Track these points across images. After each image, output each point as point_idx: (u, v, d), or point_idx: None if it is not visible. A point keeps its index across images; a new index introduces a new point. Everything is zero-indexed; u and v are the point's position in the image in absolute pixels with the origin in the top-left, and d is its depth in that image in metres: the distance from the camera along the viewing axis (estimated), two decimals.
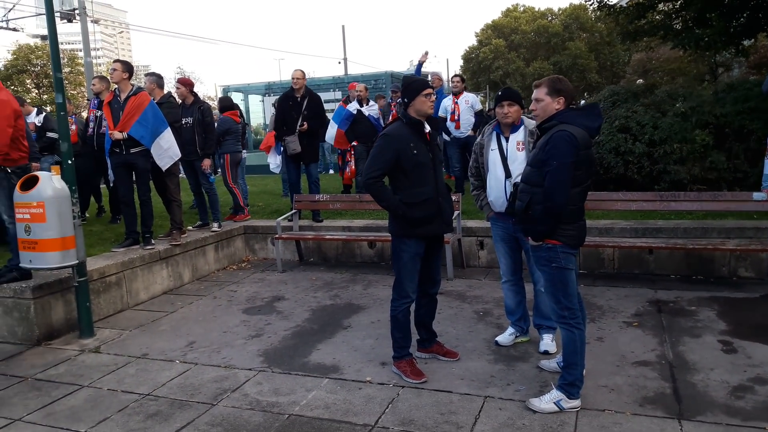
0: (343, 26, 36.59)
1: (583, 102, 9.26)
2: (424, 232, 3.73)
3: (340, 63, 35.79)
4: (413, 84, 3.77)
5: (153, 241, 6.34)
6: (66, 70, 46.78)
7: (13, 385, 4.10)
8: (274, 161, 10.27)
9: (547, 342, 4.16)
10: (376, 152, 3.68)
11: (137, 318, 5.50)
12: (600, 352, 4.14)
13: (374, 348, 4.41)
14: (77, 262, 4.83)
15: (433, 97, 3.73)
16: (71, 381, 4.11)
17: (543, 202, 3.18)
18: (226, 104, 8.39)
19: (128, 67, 6.18)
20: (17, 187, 4.71)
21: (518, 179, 3.61)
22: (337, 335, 4.75)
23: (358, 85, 8.77)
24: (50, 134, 7.55)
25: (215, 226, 7.30)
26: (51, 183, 4.68)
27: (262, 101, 19.14)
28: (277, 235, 6.97)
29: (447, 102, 8.75)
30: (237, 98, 18.01)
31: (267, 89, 19.29)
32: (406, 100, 3.71)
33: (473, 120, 8.55)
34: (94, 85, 7.38)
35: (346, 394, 3.67)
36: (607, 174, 7.64)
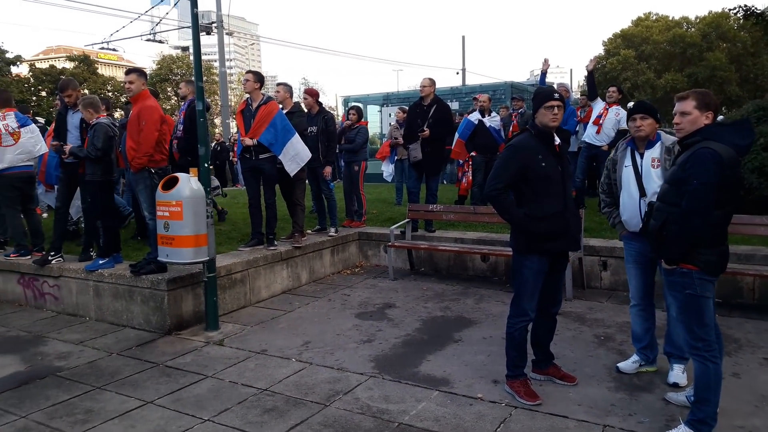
0: (463, 37, 36.56)
1: (721, 117, 8.52)
2: (548, 248, 3.60)
3: (458, 73, 35.77)
4: (538, 95, 3.67)
5: (276, 243, 6.69)
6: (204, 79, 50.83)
7: (146, 370, 4.48)
8: (388, 170, 10.48)
9: (677, 373, 3.85)
10: (501, 163, 3.62)
11: (258, 315, 5.81)
12: (736, 389, 3.76)
13: (486, 364, 4.32)
14: (208, 258, 5.20)
15: (557, 110, 3.59)
16: (197, 371, 4.41)
17: (679, 224, 2.95)
18: (362, 114, 8.65)
19: (259, 78, 6.59)
20: (159, 187, 5.15)
21: (653, 198, 3.38)
22: (448, 348, 4.71)
23: (482, 95, 8.70)
24: None
25: (332, 231, 7.56)
26: (189, 184, 5.08)
27: (380, 111, 19.58)
28: (390, 243, 7.07)
29: (598, 106, 8.39)
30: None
31: (384, 99, 19.71)
32: (533, 111, 3.63)
33: (614, 134, 8.17)
34: (180, 89, 7.68)
35: (456, 409, 3.62)
36: (749, 196, 6.96)
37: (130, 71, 5.76)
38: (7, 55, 40.73)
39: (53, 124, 7.50)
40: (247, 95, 6.65)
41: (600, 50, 47.30)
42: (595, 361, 4.34)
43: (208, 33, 24.16)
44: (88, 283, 5.85)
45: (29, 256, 6.44)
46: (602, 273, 6.36)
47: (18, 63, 42.89)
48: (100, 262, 5.86)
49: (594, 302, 5.86)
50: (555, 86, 10.95)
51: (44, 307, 6.25)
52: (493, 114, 8.80)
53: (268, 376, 4.24)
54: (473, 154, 8.68)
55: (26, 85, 39.65)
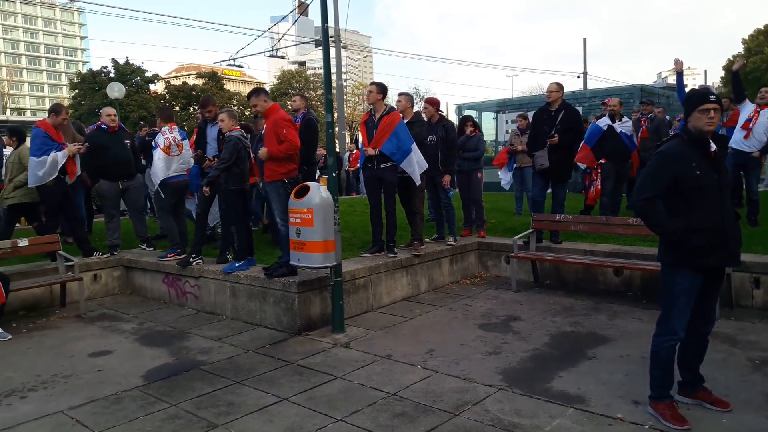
0: (584, 39, 35.16)
1: None
2: (703, 263, 3.37)
3: (578, 77, 34.46)
4: (690, 98, 3.46)
5: (396, 250, 6.82)
6: (319, 92, 53.21)
7: (280, 368, 4.74)
8: (506, 178, 10.31)
9: None
10: (650, 172, 3.44)
11: (380, 320, 5.95)
12: None
13: (624, 384, 4.12)
14: (335, 263, 5.42)
15: (713, 113, 3.35)
16: (326, 371, 4.60)
17: None
18: (477, 125, 8.64)
19: (382, 89, 6.78)
20: (292, 195, 5.45)
21: None
22: (581, 365, 4.54)
23: (611, 99, 8.34)
24: None
25: (451, 240, 7.57)
26: (319, 192, 5.33)
27: (495, 119, 19.33)
28: (513, 254, 6.96)
29: (747, 108, 7.78)
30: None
31: (500, 107, 19.44)
32: (685, 114, 3.43)
33: (765, 139, 7.52)
34: (294, 102, 7.82)
35: (595, 428, 3.48)
36: None
37: (249, 95, 6.18)
38: (147, 74, 45.14)
39: (193, 136, 8.20)
40: (371, 106, 6.86)
41: (739, 48, 43.55)
42: (750, 387, 3.99)
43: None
44: (225, 284, 6.30)
45: (184, 256, 7.02)
46: (754, 291, 5.82)
47: (156, 81, 47.33)
48: (236, 264, 6.29)
49: (745, 323, 5.38)
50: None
51: (186, 305, 6.82)
52: (625, 119, 8.38)
53: (395, 381, 4.33)
54: (602, 161, 8.33)
55: (162, 101, 43.58)
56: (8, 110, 55.94)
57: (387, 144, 6.47)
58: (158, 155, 7.08)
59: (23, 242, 6.73)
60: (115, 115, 7.63)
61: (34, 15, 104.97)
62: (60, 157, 7.01)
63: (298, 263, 5.44)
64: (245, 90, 77.21)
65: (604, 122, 8.12)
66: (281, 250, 6.09)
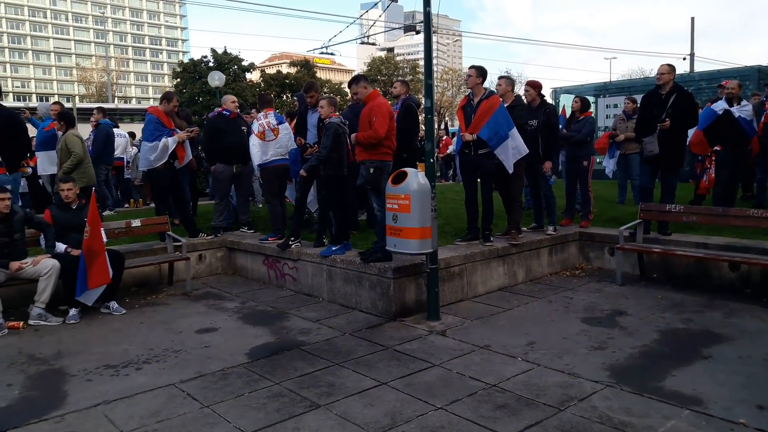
0: (692, 18, 32.86)
1: None
2: None
3: (684, 59, 32.27)
4: None
5: (492, 239, 6.71)
6: (408, 78, 53.21)
7: (377, 352, 4.81)
8: (609, 165, 9.84)
9: None
10: None
11: (476, 309, 5.89)
12: None
13: (746, 387, 3.83)
14: (431, 250, 5.40)
15: None
16: (423, 358, 4.61)
17: None
18: (587, 104, 8.21)
19: (481, 72, 6.62)
20: (389, 181, 5.48)
21: None
22: (696, 364, 4.27)
23: (729, 82, 7.73)
24: None
25: (550, 229, 7.34)
26: (417, 178, 5.31)
27: (595, 103, 18.50)
28: (618, 245, 6.64)
29: None
30: (566, 99, 17.79)
31: (599, 90, 18.57)
32: None
33: None
34: (395, 88, 7.80)
35: None
36: None
37: (350, 83, 6.26)
38: (243, 63, 46.87)
39: (293, 122, 8.43)
40: (469, 90, 6.74)
41: None
42: None
43: (418, 32, 25.14)
44: (322, 267, 6.46)
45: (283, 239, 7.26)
46: None
47: (251, 70, 49.03)
48: (333, 248, 6.43)
49: None
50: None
51: (284, 286, 7.06)
52: (744, 103, 7.75)
53: (495, 372, 4.27)
54: (717, 148, 7.76)
55: (258, 89, 45.14)
56: (116, 99, 60.14)
57: (485, 129, 6.35)
58: (253, 141, 7.34)
59: (136, 223, 7.23)
60: (233, 102, 7.99)
61: (140, 8, 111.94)
62: (170, 142, 7.44)
63: (394, 249, 5.47)
64: (335, 78, 78.65)
65: (720, 106, 7.55)
66: (376, 236, 6.16)
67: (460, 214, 8.29)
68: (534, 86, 7.41)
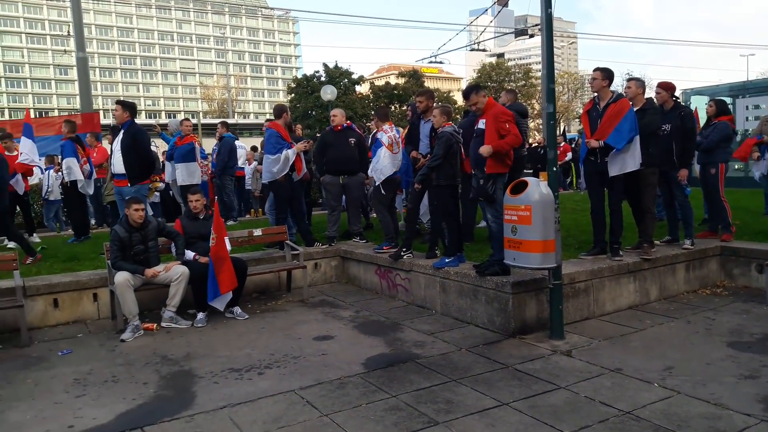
0: None
1: None
2: None
3: None
4: None
5: (621, 253, 6.32)
6: (520, 83, 52.25)
7: (497, 370, 4.66)
8: (760, 170, 9.05)
9: None
10: None
11: (604, 329, 5.56)
12: None
13: None
14: (555, 265, 5.17)
15: None
16: (548, 379, 4.40)
17: None
18: (723, 108, 7.63)
19: (608, 74, 6.29)
20: (508, 191, 5.32)
21: None
22: None
23: None
24: None
25: (687, 243, 6.80)
26: (538, 188, 5.11)
27: (732, 104, 17.05)
28: None
29: None
30: (697, 102, 16.54)
31: (735, 90, 17.09)
32: None
33: None
34: (501, 97, 7.62)
35: None
36: None
37: (468, 93, 6.08)
38: (353, 76, 48.34)
39: (403, 132, 8.49)
40: (595, 94, 6.44)
41: None
42: None
43: (531, 36, 24.61)
44: (435, 279, 6.41)
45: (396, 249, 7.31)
46: None
47: (361, 82, 50.46)
48: (447, 260, 6.36)
49: None
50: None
51: (396, 296, 7.09)
52: None
53: (629, 398, 3.98)
54: None
55: (366, 101, 46.33)
56: (236, 114, 64.15)
57: (613, 135, 6.02)
58: (384, 153, 7.42)
59: (257, 232, 7.60)
60: (334, 116, 8.22)
61: (256, 27, 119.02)
62: (291, 154, 7.75)
63: (513, 263, 5.29)
64: (443, 86, 78.86)
65: None
66: (492, 248, 6.01)
67: (582, 225, 7.94)
68: (666, 88, 6.93)
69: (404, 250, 6.99)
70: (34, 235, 9.39)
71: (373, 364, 4.89)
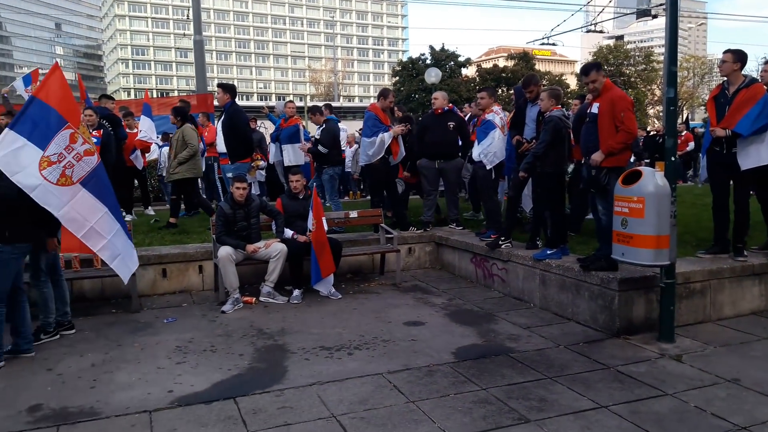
0: None
1: None
2: None
3: None
4: None
5: (745, 253, 5.78)
6: (640, 67, 49.29)
7: (597, 370, 4.42)
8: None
9: None
10: None
11: (721, 334, 5.13)
12: None
13: None
14: (668, 263, 4.81)
15: None
16: (653, 384, 4.12)
17: None
18: None
19: (739, 57, 5.72)
20: (619, 181, 4.98)
21: None
22: None
23: None
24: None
25: None
26: (653, 179, 4.74)
27: None
28: None
29: None
30: None
31: None
32: None
33: None
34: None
35: None
36: None
37: (588, 70, 5.64)
38: (459, 59, 47.76)
39: (509, 116, 8.22)
40: (724, 78, 5.89)
41: None
42: None
43: (655, 17, 23.02)
44: (535, 271, 6.19)
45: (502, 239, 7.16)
46: None
47: (467, 65, 49.77)
48: (548, 252, 6.11)
49: None
50: None
51: (492, 287, 6.93)
52: None
53: (746, 412, 3.64)
54: None
55: (472, 85, 45.63)
56: (341, 97, 65.53)
57: (742, 123, 5.49)
58: (498, 135, 7.16)
59: (353, 214, 7.71)
60: (435, 99, 8.10)
61: (365, 10, 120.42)
62: (386, 138, 7.76)
63: (622, 258, 4.97)
64: (555, 69, 75.99)
65: None
66: (599, 241, 5.69)
67: (702, 221, 7.36)
68: None
69: (502, 239, 6.80)
70: (149, 208, 10.10)
71: (463, 354, 4.81)
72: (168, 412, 3.82)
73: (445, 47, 46.91)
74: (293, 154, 9.96)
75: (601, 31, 28.58)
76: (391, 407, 3.84)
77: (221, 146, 7.94)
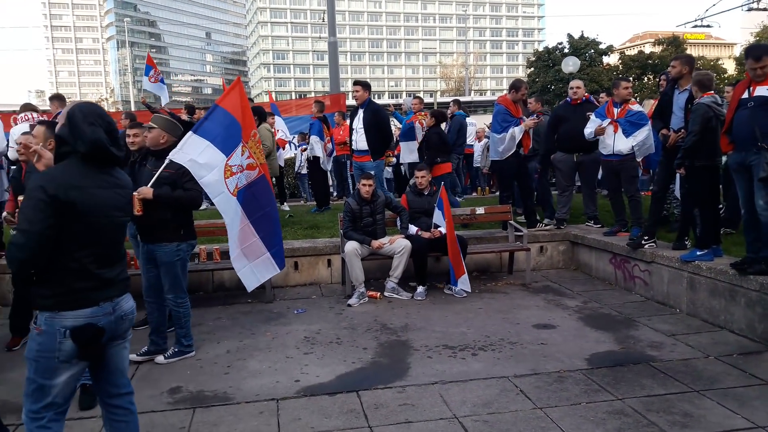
0: None
1: None
2: None
3: None
4: None
5: None
6: None
7: (753, 386, 3.97)
8: None
9: None
10: None
11: None
12: None
13: None
14: None
15: None
16: None
17: None
18: None
19: None
20: None
21: None
22: None
23: None
24: None
25: None
26: None
27: None
28: None
29: None
30: None
31: None
32: None
33: None
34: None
35: None
36: None
37: (760, 54, 4.97)
38: (600, 47, 45.34)
39: (652, 106, 7.64)
40: None
41: None
42: None
43: None
44: (682, 274, 5.68)
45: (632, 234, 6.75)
46: None
47: (609, 53, 47.14)
48: (698, 253, 5.58)
49: None
50: None
51: (632, 290, 6.47)
52: None
53: None
54: None
55: (615, 73, 43.13)
56: (472, 92, 64.93)
57: None
58: (649, 126, 6.77)
59: (480, 210, 7.57)
60: (578, 88, 7.69)
61: (499, 2, 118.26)
62: (517, 132, 7.52)
63: None
64: (710, 53, 69.73)
65: None
66: (763, 242, 5.09)
67: None
68: None
69: (646, 238, 6.32)
70: (285, 204, 10.65)
71: (598, 360, 4.53)
72: (294, 401, 3.98)
73: (584, 35, 44.77)
74: (407, 152, 9.97)
75: (765, 9, 25.65)
76: (516, 412, 3.70)
77: (361, 144, 7.98)
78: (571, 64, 18.88)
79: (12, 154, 6.89)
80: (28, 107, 8.28)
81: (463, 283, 6.38)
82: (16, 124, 7.99)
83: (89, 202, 2.53)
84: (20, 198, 2.99)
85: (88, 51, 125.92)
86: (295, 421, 3.69)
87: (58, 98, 8.16)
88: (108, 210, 2.62)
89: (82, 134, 2.55)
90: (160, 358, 4.69)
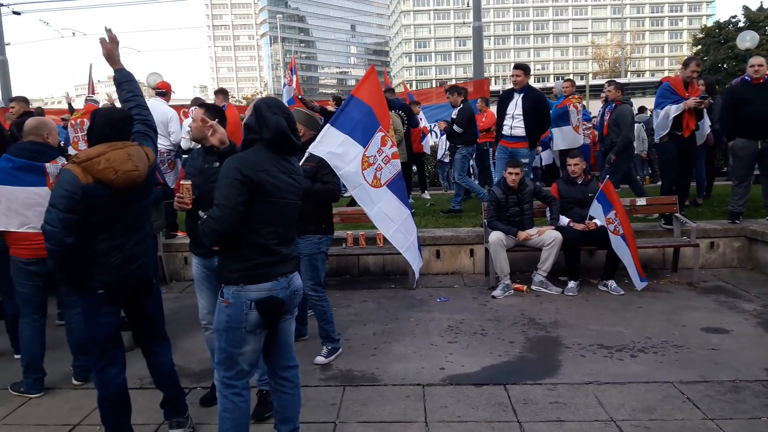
0: None
1: None
2: None
3: None
4: None
5: None
6: None
7: None
8: None
9: None
10: None
11: None
12: None
13: None
14: None
15: None
16: None
17: None
18: None
19: None
20: None
21: None
22: None
23: None
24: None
25: None
26: None
27: None
28: None
29: None
30: None
31: None
32: None
33: None
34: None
35: None
36: None
37: None
38: None
39: None
40: None
41: None
42: None
43: None
44: None
45: None
46: None
47: None
48: None
49: None
50: None
51: None
52: None
53: None
54: None
55: None
56: (628, 73, 60.87)
57: None
58: None
59: (641, 201, 7.07)
60: (760, 66, 6.88)
61: None
62: (672, 110, 6.90)
63: None
64: None
65: None
66: None
67: None
68: None
69: None
70: (426, 192, 10.73)
71: None
72: (440, 388, 4.00)
73: (765, 6, 40.15)
74: (560, 138, 9.52)
75: None
76: (683, 422, 3.42)
77: (518, 130, 7.63)
78: (748, 39, 16.90)
79: (185, 144, 7.58)
80: (197, 101, 9.09)
81: (639, 284, 5.95)
82: (187, 117, 8.79)
83: (274, 184, 2.80)
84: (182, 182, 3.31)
85: (244, 48, 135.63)
86: (442, 409, 3.71)
87: (222, 92, 8.92)
88: (286, 193, 2.88)
89: (268, 122, 2.82)
90: (319, 359, 4.60)
